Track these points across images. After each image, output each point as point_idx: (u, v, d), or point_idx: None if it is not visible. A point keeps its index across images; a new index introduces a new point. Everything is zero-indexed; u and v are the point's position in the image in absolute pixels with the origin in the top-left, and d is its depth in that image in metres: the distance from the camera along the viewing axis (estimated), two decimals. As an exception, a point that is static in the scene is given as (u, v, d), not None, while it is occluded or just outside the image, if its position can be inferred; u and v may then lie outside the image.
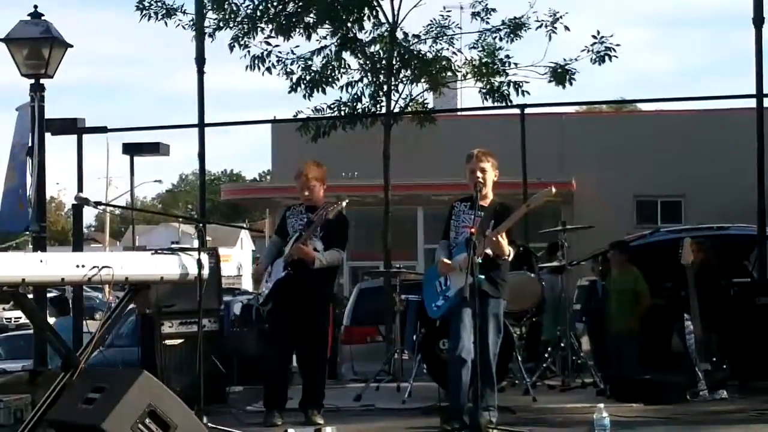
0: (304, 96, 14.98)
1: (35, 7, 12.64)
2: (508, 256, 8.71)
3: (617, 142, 30.96)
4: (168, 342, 10.78)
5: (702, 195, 29.82)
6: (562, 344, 11.66)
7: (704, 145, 30.06)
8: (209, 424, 8.29)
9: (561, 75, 14.84)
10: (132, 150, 15.18)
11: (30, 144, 12.45)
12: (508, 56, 15.14)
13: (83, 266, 7.61)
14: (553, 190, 8.68)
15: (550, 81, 14.86)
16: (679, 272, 11.03)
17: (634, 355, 12.15)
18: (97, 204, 8.97)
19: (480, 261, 8.44)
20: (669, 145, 30.32)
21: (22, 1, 12.93)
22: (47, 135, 13.04)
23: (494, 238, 8.49)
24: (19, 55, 12.57)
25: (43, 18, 12.61)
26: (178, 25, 15.20)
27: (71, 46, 12.84)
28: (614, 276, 12.63)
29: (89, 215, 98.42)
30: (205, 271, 8.38)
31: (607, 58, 14.78)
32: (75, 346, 10.51)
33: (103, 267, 7.61)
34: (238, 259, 74.92)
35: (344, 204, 9.51)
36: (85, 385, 7.58)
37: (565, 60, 14.86)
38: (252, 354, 12.30)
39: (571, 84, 14.83)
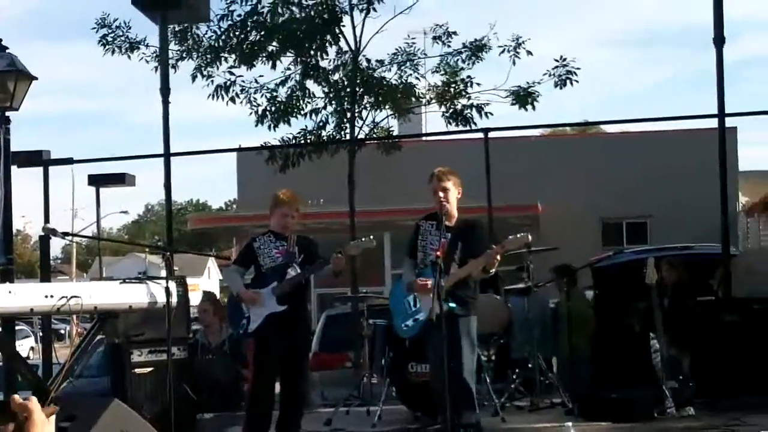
0: (269, 128, 15.05)
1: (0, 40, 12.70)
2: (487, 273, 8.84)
3: (583, 165, 31.20)
4: (138, 371, 10.78)
5: (668, 216, 30.01)
6: (530, 365, 11.71)
7: (670, 166, 30.27)
8: (180, 452, 8.31)
9: (523, 98, 14.97)
10: (97, 181, 15.20)
11: (-5, 177, 12.46)
12: (470, 77, 15.29)
13: (52, 296, 7.61)
14: (530, 237, 8.76)
15: (513, 104, 14.99)
16: (646, 291, 11.10)
17: (587, 376, 12.23)
18: (65, 234, 8.95)
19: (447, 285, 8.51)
20: (634, 166, 30.55)
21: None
22: (13, 167, 13.07)
23: (494, 259, 8.58)
24: (-16, 88, 12.60)
25: (7, 51, 12.65)
26: (142, 58, 15.26)
27: (36, 78, 12.90)
28: (561, 299, 12.77)
29: (55, 247, 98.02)
30: (173, 299, 8.40)
31: (569, 81, 14.93)
32: (44, 376, 10.54)
33: (72, 297, 7.60)
34: (206, 288, 74.56)
35: (372, 244, 9.44)
36: (56, 414, 7.56)
37: (528, 83, 15.01)
38: (222, 381, 12.29)
39: (533, 107, 14.97)
